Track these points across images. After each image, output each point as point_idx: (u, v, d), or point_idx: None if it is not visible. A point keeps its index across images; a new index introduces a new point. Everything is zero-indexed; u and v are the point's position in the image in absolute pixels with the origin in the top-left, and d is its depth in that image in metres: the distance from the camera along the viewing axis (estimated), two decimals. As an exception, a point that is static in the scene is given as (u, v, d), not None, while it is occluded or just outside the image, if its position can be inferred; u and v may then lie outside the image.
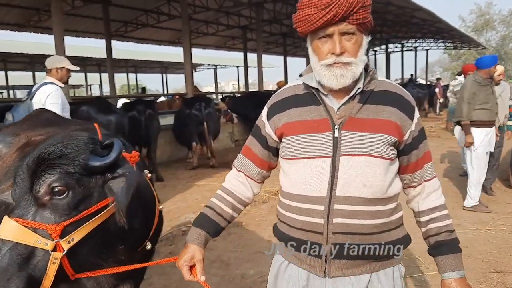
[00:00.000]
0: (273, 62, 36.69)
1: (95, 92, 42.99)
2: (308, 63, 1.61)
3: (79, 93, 39.60)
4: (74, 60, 5.01)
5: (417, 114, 1.55)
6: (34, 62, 26.77)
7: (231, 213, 1.70)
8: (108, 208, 1.43)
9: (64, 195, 1.36)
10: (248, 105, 11.80)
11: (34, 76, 28.59)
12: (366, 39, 1.48)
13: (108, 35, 15.45)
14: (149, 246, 1.78)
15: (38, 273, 1.33)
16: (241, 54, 23.94)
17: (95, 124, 1.68)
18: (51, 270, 1.33)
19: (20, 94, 36.69)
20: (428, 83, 26.53)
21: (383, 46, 31.21)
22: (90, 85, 39.31)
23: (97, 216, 1.41)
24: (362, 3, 1.39)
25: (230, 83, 74.69)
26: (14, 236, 1.31)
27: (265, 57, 23.69)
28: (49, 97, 4.48)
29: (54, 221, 1.35)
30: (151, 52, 36.38)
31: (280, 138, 1.60)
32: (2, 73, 28.65)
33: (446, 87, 18.69)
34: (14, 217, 1.34)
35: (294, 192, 1.53)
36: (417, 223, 1.64)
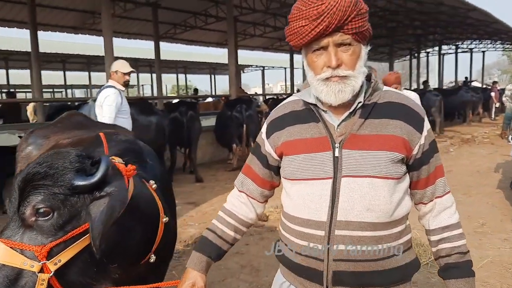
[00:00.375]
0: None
1: (147, 92, 44.46)
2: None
3: (132, 93, 41.05)
4: (127, 61, 5.21)
5: (427, 125, 1.42)
6: (90, 63, 28.04)
7: (233, 235, 1.64)
8: None
9: (49, 216, 1.34)
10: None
11: (90, 76, 29.92)
12: (365, 49, 1.37)
13: (157, 37, 15.85)
14: (152, 259, 1.74)
15: None
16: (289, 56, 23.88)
17: (101, 134, 1.67)
18: None
19: (78, 93, 38.64)
20: (484, 86, 25.26)
21: (436, 48, 30.00)
22: (142, 85, 40.67)
23: (86, 236, 1.38)
24: (357, 11, 1.28)
25: (278, 84, 74.71)
26: (1, 258, 1.31)
27: (311, 58, 23.40)
28: (106, 99, 4.83)
29: (40, 243, 1.34)
30: (200, 53, 37.04)
31: (281, 157, 1.51)
32: (61, 73, 30.12)
33: (502, 91, 17.73)
34: (3, 238, 1.35)
35: (295, 214, 1.44)
36: (429, 243, 1.51)
